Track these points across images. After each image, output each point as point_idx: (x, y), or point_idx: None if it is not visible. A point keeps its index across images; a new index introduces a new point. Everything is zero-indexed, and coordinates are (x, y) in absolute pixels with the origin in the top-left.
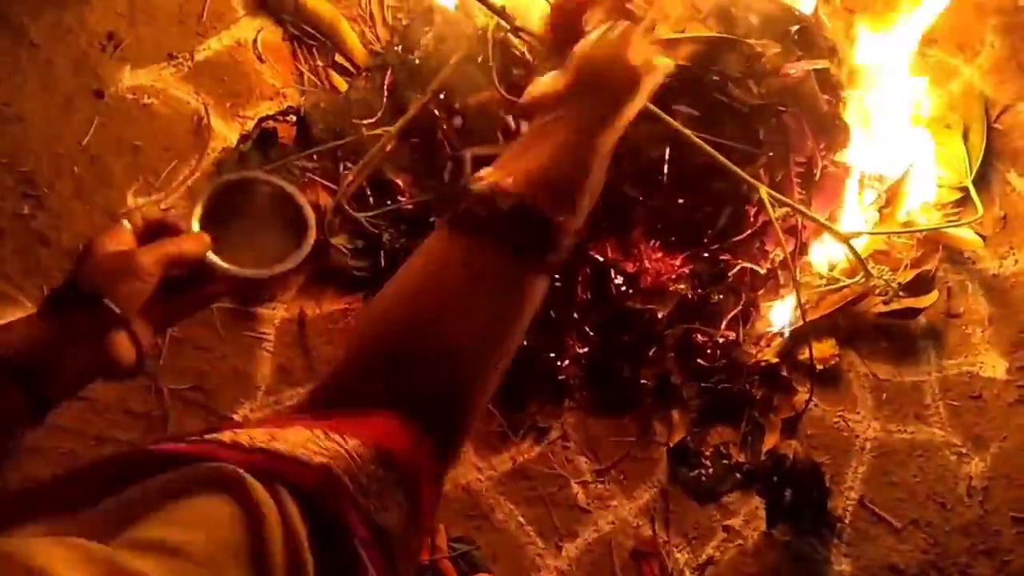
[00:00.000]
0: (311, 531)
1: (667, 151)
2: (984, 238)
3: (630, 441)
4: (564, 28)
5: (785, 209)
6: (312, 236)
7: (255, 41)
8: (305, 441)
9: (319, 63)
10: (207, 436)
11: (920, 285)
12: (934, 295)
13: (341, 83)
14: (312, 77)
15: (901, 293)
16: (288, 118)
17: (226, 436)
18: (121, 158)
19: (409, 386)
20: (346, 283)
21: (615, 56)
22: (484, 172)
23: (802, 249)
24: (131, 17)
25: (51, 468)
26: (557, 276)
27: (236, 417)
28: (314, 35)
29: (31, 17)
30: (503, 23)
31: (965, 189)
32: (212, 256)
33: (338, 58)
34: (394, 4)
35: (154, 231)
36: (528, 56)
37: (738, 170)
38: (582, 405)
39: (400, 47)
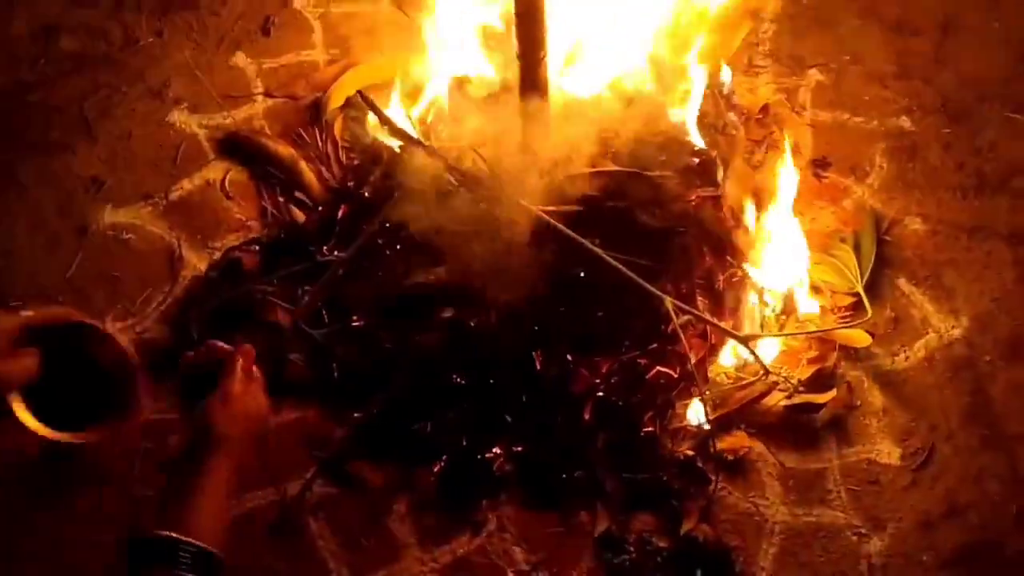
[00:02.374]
0: None
1: (582, 271)
2: (874, 336)
3: (560, 531)
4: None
5: (689, 317)
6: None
7: (223, 181)
8: None
9: (281, 198)
10: None
11: (819, 382)
12: (832, 392)
13: (300, 215)
14: (274, 211)
15: (801, 389)
16: (252, 248)
17: None
18: (101, 288)
19: None
20: (303, 394)
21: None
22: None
23: (712, 351)
24: (112, 162)
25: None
26: (492, 381)
27: None
28: (276, 174)
29: (21, 163)
30: (439, 162)
31: (858, 294)
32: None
33: (298, 194)
34: (347, 145)
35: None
36: (461, 188)
37: (645, 283)
38: (517, 499)
39: (352, 183)
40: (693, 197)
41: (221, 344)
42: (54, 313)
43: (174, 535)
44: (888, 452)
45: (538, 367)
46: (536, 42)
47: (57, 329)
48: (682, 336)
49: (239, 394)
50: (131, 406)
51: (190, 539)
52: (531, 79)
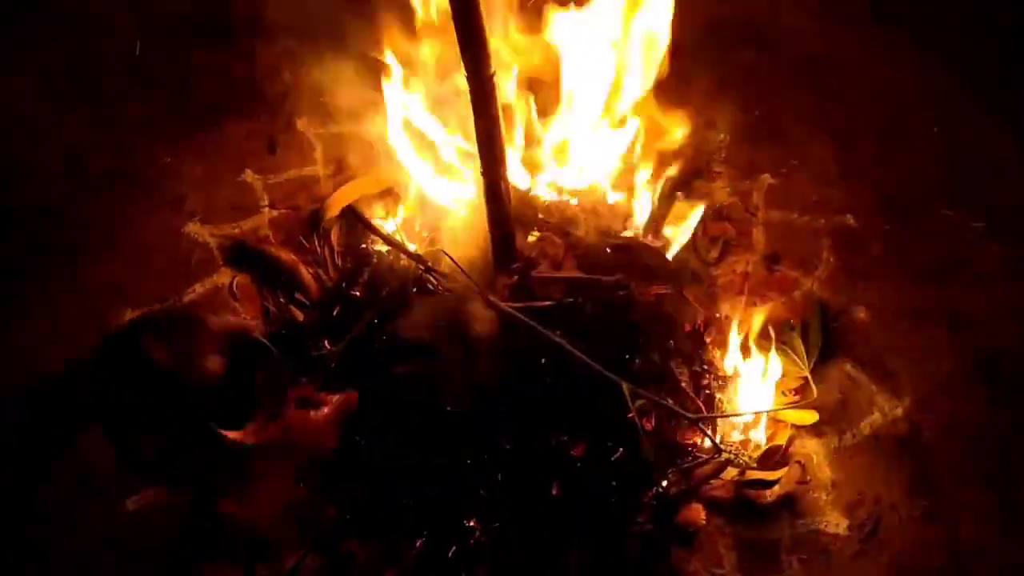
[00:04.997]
0: None
1: (549, 362)
2: (821, 415)
3: None
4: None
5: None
6: None
7: (231, 285)
8: None
9: (281, 300)
10: None
11: (772, 459)
12: (783, 471)
13: (299, 315)
14: (275, 311)
15: (754, 466)
16: None
17: None
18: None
19: None
20: (297, 475)
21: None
22: None
23: (674, 432)
24: (131, 269)
25: None
26: (468, 461)
27: None
28: (278, 278)
29: (49, 271)
30: (419, 265)
31: (806, 377)
32: None
33: (297, 295)
34: (342, 251)
35: None
36: (439, 288)
37: (604, 371)
38: (492, 569)
39: (344, 284)
40: (652, 293)
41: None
42: (245, 326)
43: None
44: (836, 523)
45: (508, 448)
46: (496, 161)
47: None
48: (638, 419)
49: None
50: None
51: None
52: (494, 193)
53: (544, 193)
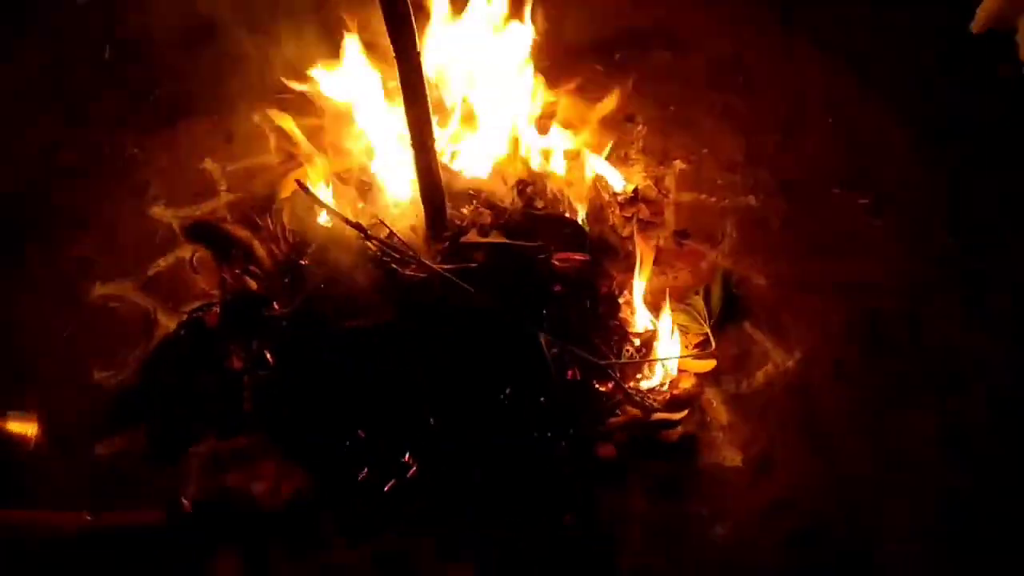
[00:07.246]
0: None
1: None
2: (717, 360)
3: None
4: None
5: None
6: None
7: (191, 259)
8: None
9: (237, 271)
10: None
11: (677, 404)
12: (684, 412)
13: (253, 284)
14: (232, 281)
15: (660, 408)
16: (213, 310)
17: None
18: (91, 346)
19: None
20: (252, 425)
21: None
22: None
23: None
24: (101, 248)
25: None
26: (404, 407)
27: None
28: (234, 252)
29: (27, 251)
30: (360, 233)
31: (707, 333)
32: None
33: (251, 267)
34: (292, 227)
35: None
36: (381, 256)
37: (523, 322)
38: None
39: (294, 256)
40: (570, 259)
41: None
42: None
43: None
44: (732, 458)
45: (441, 394)
46: (426, 140)
47: None
48: (552, 366)
49: None
50: None
51: None
52: (425, 170)
53: (472, 170)
